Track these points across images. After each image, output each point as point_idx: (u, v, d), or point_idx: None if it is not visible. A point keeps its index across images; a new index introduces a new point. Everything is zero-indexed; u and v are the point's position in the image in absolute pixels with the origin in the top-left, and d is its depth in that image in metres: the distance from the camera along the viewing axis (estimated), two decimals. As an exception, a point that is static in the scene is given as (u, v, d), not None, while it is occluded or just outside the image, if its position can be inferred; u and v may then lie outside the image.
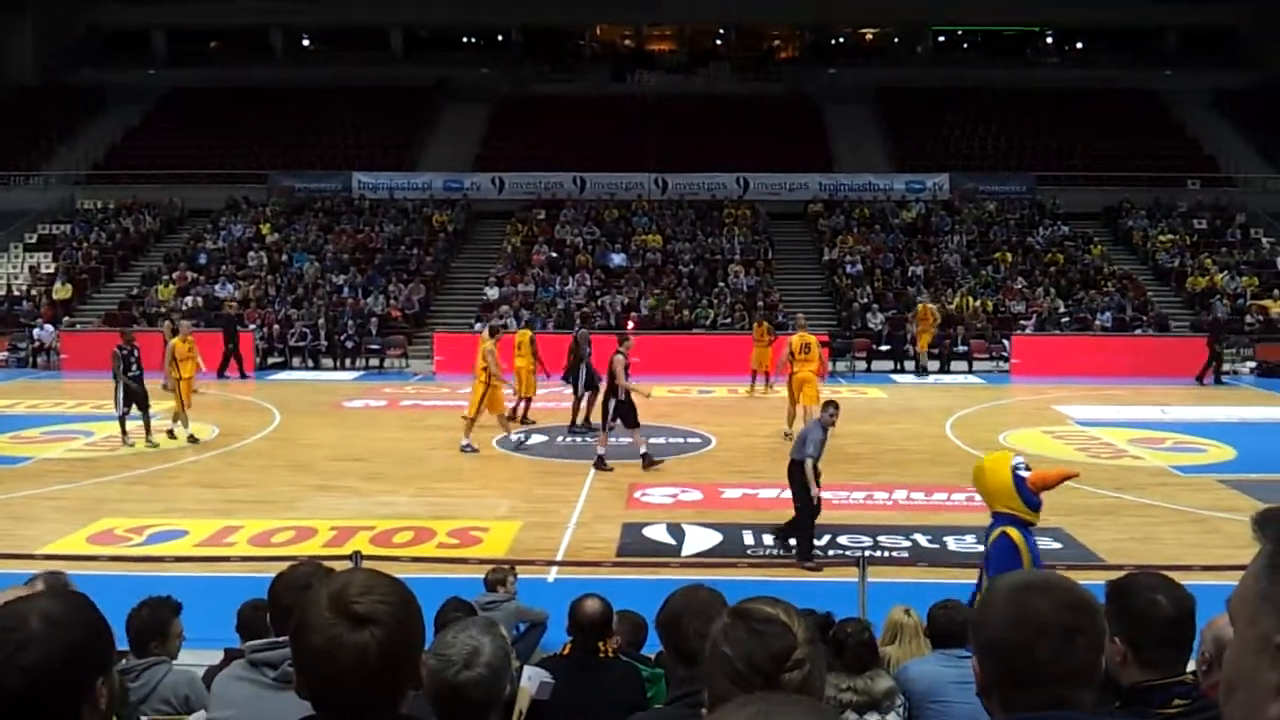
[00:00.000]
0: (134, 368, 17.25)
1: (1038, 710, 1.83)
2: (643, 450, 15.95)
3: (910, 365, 28.36)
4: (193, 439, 17.80)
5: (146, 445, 17.34)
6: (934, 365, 28.23)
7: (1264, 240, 35.11)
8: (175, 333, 19.77)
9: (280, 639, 2.96)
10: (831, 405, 11.94)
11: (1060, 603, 1.88)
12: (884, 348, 29.00)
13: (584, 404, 19.01)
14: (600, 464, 15.83)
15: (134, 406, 17.29)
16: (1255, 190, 37.90)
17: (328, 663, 1.87)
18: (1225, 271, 32.62)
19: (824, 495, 14.27)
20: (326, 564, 3.63)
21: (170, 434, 17.93)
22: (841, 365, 27.50)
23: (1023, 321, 29.90)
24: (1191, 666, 3.16)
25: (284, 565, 3.73)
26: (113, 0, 45.79)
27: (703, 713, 1.92)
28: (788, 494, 14.16)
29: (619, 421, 15.97)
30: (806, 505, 11.15)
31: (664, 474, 15.60)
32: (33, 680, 1.72)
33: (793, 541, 11.38)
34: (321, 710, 1.94)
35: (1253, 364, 28.05)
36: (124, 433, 17.45)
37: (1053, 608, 1.87)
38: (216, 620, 6.44)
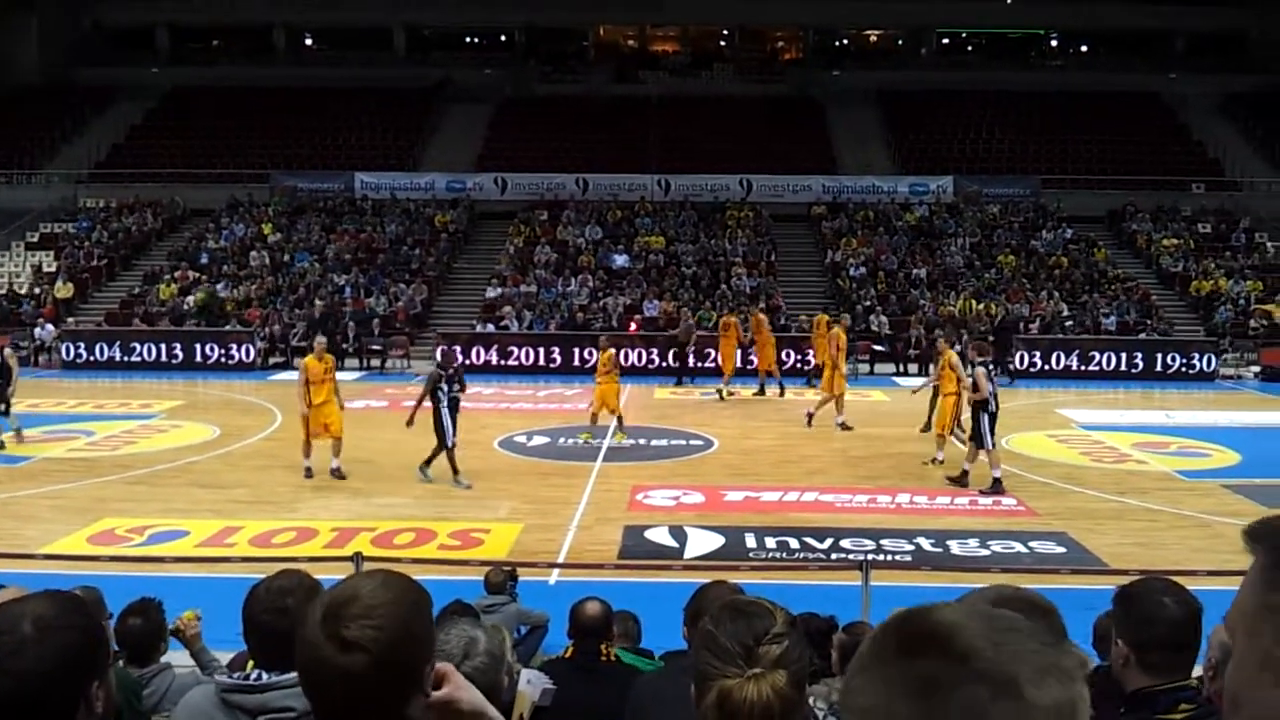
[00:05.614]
0: (455, 389, 15.24)
1: None
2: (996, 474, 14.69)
3: (914, 369, 28.26)
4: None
5: (455, 485, 14.83)
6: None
7: (1268, 245, 35.02)
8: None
9: (255, 682, 2.61)
10: None
11: (1021, 607, 1.85)
12: (884, 349, 28.96)
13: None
14: (997, 487, 14.40)
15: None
16: (1260, 194, 37.87)
17: (314, 678, 1.82)
18: (1229, 276, 32.56)
19: (825, 499, 14.36)
20: (302, 571, 3.00)
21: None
22: (846, 368, 27.27)
23: (1030, 326, 29.80)
24: (1198, 671, 3.12)
25: (285, 566, 3.51)
26: (116, -1, 45.88)
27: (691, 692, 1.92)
28: (791, 496, 14.28)
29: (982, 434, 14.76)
30: None
31: (665, 476, 15.56)
32: (25, 685, 1.69)
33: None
34: (321, 715, 1.89)
35: (1257, 369, 27.96)
36: (456, 471, 14.92)
37: (1024, 612, 1.86)
38: (220, 621, 6.40)
